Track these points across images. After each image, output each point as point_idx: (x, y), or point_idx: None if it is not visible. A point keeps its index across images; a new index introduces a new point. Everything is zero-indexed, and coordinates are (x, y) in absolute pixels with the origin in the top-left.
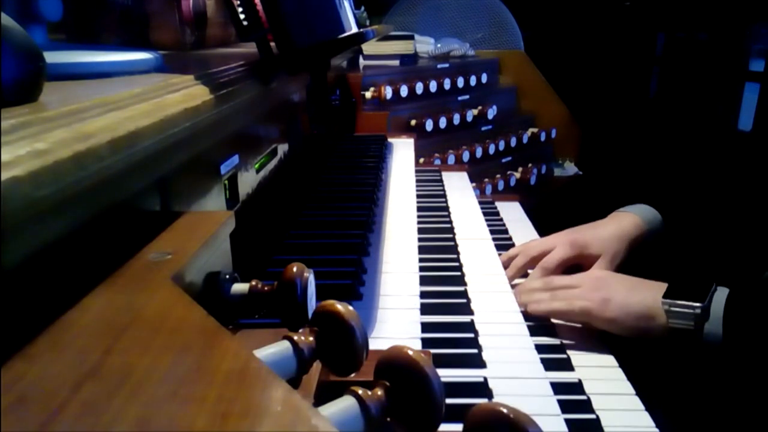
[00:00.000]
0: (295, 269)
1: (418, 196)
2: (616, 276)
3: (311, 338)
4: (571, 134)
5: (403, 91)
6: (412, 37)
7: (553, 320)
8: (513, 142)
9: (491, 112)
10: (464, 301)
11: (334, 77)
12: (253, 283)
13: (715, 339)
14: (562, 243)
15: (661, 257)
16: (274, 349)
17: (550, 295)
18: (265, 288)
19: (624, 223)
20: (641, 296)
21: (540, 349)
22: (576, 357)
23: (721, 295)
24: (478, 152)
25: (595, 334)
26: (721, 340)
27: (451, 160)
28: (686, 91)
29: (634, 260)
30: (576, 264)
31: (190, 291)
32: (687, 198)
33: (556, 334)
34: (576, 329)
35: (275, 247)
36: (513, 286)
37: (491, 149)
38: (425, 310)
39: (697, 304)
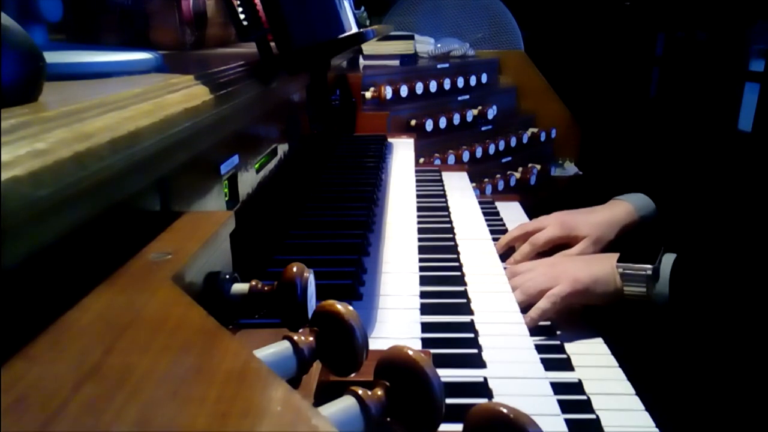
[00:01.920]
0: (295, 269)
1: (418, 196)
2: (570, 258)
3: (311, 338)
4: (571, 134)
5: (403, 91)
6: (412, 37)
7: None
8: (513, 142)
9: (491, 112)
10: (464, 301)
11: (334, 77)
12: (253, 283)
13: (663, 299)
14: (553, 223)
15: (652, 244)
16: (274, 349)
17: (524, 297)
18: (265, 288)
19: (616, 210)
20: (599, 265)
21: (540, 349)
22: (576, 357)
23: (669, 258)
24: (478, 152)
25: (595, 334)
26: (667, 299)
27: (451, 160)
28: (686, 91)
29: (624, 245)
30: (565, 243)
31: (190, 291)
32: (684, 192)
33: (556, 334)
34: (576, 329)
35: (275, 247)
36: (503, 259)
37: (491, 149)
38: (425, 310)
39: (648, 266)
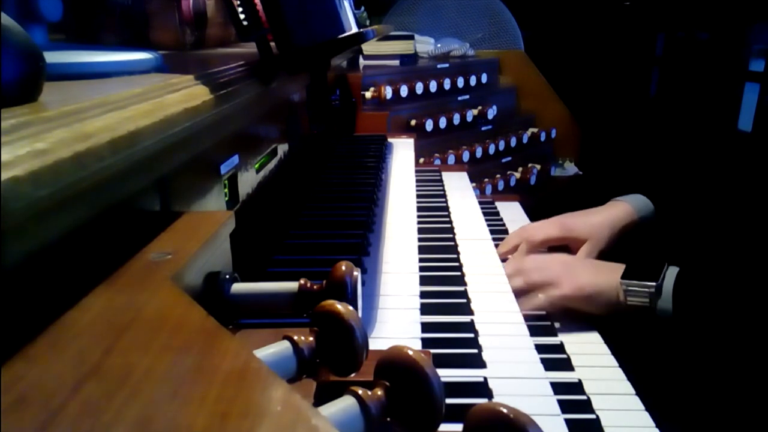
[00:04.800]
0: (344, 268)
1: (418, 196)
2: (581, 261)
3: (311, 338)
4: (571, 134)
5: (403, 91)
6: (412, 37)
7: (551, 316)
8: (513, 142)
9: (491, 112)
10: (464, 301)
11: (334, 77)
12: (302, 282)
13: (667, 314)
14: (551, 223)
15: (650, 245)
16: (274, 349)
17: (526, 286)
18: (314, 287)
19: (615, 211)
20: (606, 277)
21: (540, 349)
22: (576, 357)
23: (672, 273)
24: (478, 152)
25: (595, 333)
26: (671, 314)
27: (451, 160)
28: (686, 91)
29: (623, 246)
30: (563, 245)
31: (190, 291)
32: (683, 193)
33: (556, 334)
34: (576, 328)
35: (275, 247)
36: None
37: (491, 149)
38: (425, 310)
39: (652, 283)
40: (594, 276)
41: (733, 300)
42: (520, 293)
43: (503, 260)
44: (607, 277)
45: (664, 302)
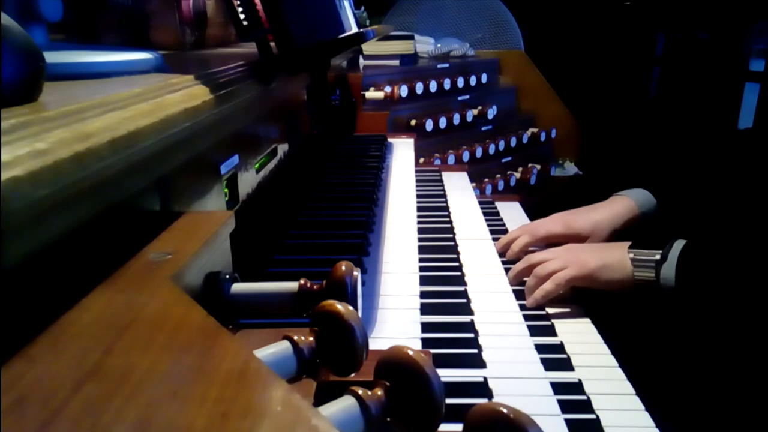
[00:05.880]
0: (344, 268)
1: (418, 196)
2: (584, 244)
3: (311, 338)
4: (571, 134)
5: (403, 91)
6: (412, 37)
7: (551, 316)
8: (513, 142)
9: (491, 112)
10: (464, 301)
11: (334, 77)
12: (302, 282)
13: (670, 283)
14: (553, 220)
15: (653, 239)
16: (274, 349)
17: (535, 280)
18: (314, 287)
19: (617, 207)
20: (610, 252)
21: (540, 349)
22: (576, 357)
23: (679, 243)
24: (478, 152)
25: (595, 333)
26: (674, 283)
27: (451, 160)
28: (686, 91)
29: (625, 240)
30: (564, 242)
31: (190, 291)
32: (684, 190)
33: (556, 334)
34: (576, 327)
35: (275, 247)
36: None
37: (491, 149)
38: (425, 310)
39: (659, 252)
40: (598, 252)
41: (734, 275)
42: (524, 285)
43: (502, 255)
44: (611, 251)
45: (667, 269)
